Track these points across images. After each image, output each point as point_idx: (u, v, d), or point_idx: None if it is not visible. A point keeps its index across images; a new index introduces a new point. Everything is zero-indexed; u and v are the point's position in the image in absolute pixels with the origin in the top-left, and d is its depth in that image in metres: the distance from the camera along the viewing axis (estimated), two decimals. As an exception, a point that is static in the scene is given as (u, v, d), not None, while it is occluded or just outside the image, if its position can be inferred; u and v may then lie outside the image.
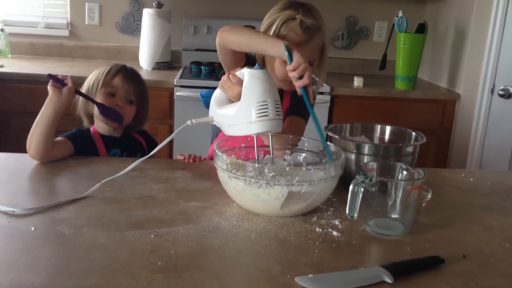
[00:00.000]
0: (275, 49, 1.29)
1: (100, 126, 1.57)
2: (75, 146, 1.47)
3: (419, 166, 1.34)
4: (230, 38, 1.40)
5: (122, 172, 1.23)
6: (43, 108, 1.41)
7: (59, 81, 1.42)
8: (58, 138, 1.47)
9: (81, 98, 1.56)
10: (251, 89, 1.19)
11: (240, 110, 1.20)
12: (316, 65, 1.49)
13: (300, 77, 1.24)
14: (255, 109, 1.16)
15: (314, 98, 1.57)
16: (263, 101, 1.17)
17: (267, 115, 1.16)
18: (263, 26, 1.47)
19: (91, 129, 1.58)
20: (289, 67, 1.25)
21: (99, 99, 1.53)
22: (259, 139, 1.28)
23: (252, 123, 1.17)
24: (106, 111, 1.52)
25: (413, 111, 2.84)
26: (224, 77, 1.30)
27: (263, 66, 1.47)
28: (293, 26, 1.40)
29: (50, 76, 1.41)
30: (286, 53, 1.25)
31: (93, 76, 1.58)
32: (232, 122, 1.22)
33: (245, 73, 1.21)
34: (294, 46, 1.30)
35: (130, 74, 1.61)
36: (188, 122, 1.25)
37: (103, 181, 1.21)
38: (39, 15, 3.22)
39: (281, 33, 1.41)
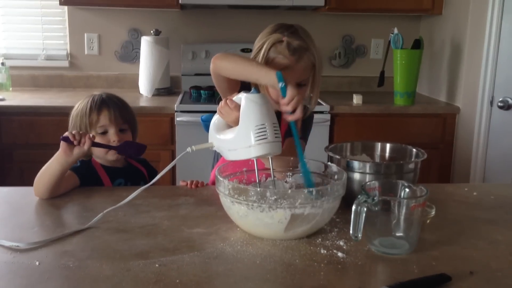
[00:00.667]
0: (268, 79, 1.29)
1: (99, 158, 1.57)
2: (80, 178, 1.46)
3: (423, 181, 1.34)
4: (223, 66, 1.41)
5: (123, 202, 1.22)
6: (51, 160, 1.39)
7: (71, 142, 1.38)
8: (69, 172, 1.47)
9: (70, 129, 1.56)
10: (249, 113, 1.20)
11: (239, 134, 1.21)
12: (310, 84, 1.50)
13: (293, 111, 1.25)
14: (253, 132, 1.17)
15: (310, 117, 1.60)
16: (261, 124, 1.17)
17: (265, 138, 1.17)
18: (254, 50, 1.49)
19: (92, 160, 1.58)
20: (282, 100, 1.26)
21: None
22: (260, 162, 1.28)
23: (251, 147, 1.17)
24: (124, 149, 1.52)
25: (413, 126, 2.85)
26: (221, 103, 1.31)
27: (258, 89, 1.50)
28: (280, 48, 1.42)
29: (64, 139, 1.38)
30: (280, 84, 1.25)
31: (76, 118, 1.56)
32: (231, 147, 1.23)
33: (242, 97, 1.22)
34: (285, 75, 1.30)
35: (112, 104, 1.58)
36: (188, 149, 1.25)
37: (105, 211, 1.21)
38: (39, 47, 3.27)
39: (269, 56, 1.43)
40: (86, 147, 1.37)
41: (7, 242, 1.06)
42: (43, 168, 1.39)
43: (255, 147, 1.17)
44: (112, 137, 1.54)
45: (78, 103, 1.61)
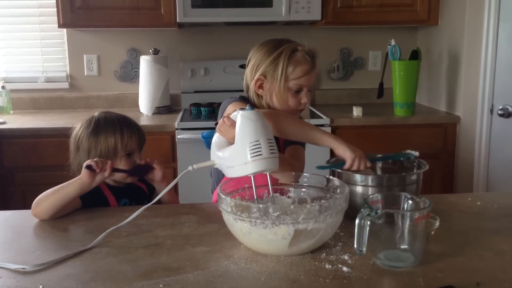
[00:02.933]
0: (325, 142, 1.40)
1: (115, 181, 1.57)
2: (83, 200, 1.45)
3: (426, 191, 1.33)
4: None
5: (126, 221, 1.22)
6: (68, 183, 1.39)
7: (94, 170, 1.40)
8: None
9: (82, 155, 1.56)
10: (243, 130, 1.21)
11: (235, 151, 1.22)
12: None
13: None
14: (248, 149, 1.18)
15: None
16: (256, 141, 1.18)
17: (260, 154, 1.18)
18: (262, 67, 1.52)
19: None
20: (346, 166, 1.33)
21: (118, 163, 1.54)
22: (263, 178, 1.28)
23: (247, 163, 1.18)
24: (137, 172, 1.55)
25: (414, 136, 2.85)
26: (220, 121, 1.32)
27: (253, 105, 1.52)
28: (300, 56, 1.51)
29: (88, 167, 1.39)
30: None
31: (100, 141, 1.55)
32: (229, 164, 1.24)
33: (237, 115, 1.24)
34: (307, 80, 1.51)
35: (136, 128, 1.61)
36: (190, 168, 1.25)
37: (108, 230, 1.20)
38: (39, 70, 3.29)
39: (289, 66, 1.50)
40: (107, 174, 1.41)
41: (13, 265, 1.06)
42: (54, 189, 1.38)
43: (251, 164, 1.18)
44: (138, 160, 1.57)
45: (85, 124, 1.59)
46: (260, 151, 1.18)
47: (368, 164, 1.34)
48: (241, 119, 1.22)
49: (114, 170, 1.46)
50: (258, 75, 1.53)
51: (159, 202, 1.36)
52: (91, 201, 1.47)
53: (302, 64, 1.51)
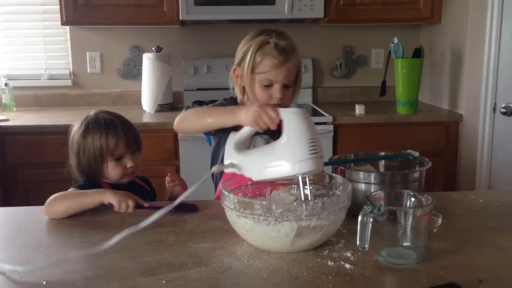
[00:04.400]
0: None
1: (112, 177, 1.56)
2: None
3: (429, 190, 1.33)
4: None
5: (144, 224, 1.12)
6: (89, 194, 1.36)
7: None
8: (70, 190, 1.47)
9: (76, 157, 1.56)
10: (299, 127, 1.17)
11: (285, 149, 1.17)
12: (294, 84, 1.53)
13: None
14: (306, 146, 1.14)
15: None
16: (312, 139, 1.15)
17: (317, 153, 1.15)
18: (237, 57, 1.52)
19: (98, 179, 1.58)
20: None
21: (106, 168, 1.53)
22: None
23: (303, 161, 1.14)
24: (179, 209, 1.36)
25: (417, 134, 2.85)
26: (256, 109, 1.25)
27: (242, 95, 1.53)
28: (268, 49, 1.45)
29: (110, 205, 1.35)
30: None
31: (88, 144, 1.53)
32: (273, 163, 1.18)
33: (285, 112, 1.20)
34: (274, 75, 1.40)
35: (123, 130, 1.55)
36: (214, 169, 1.24)
37: (123, 234, 1.09)
38: (42, 67, 3.29)
39: (256, 59, 1.45)
40: (130, 210, 1.35)
41: (8, 266, 1.05)
42: (73, 195, 1.37)
43: (308, 161, 1.14)
44: (129, 163, 1.55)
45: (78, 125, 1.57)
46: (316, 149, 1.15)
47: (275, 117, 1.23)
48: (292, 116, 1.18)
49: (138, 207, 1.37)
50: (235, 64, 1.53)
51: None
52: None
53: (269, 58, 1.44)
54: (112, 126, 1.54)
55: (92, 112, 1.61)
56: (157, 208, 1.22)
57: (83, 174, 1.57)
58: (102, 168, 1.53)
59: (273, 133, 1.55)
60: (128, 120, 1.63)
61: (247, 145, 1.31)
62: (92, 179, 1.56)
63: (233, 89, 1.57)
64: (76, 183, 1.57)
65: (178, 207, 1.18)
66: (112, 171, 1.53)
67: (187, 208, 1.37)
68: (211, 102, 3.07)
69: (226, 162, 1.28)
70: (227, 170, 1.28)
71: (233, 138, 1.30)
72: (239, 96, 1.57)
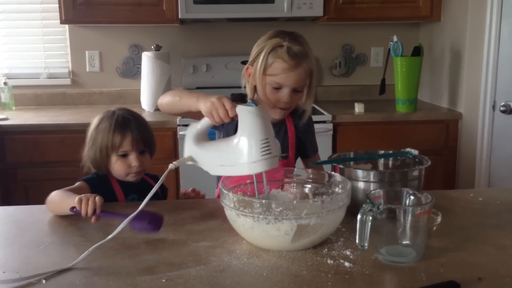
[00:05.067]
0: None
1: (116, 173, 1.56)
2: (92, 190, 1.46)
3: (428, 188, 1.33)
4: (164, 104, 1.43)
5: (110, 236, 1.13)
6: (71, 196, 1.33)
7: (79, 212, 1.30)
8: (78, 184, 1.48)
9: (88, 148, 1.56)
10: (251, 126, 1.15)
11: (238, 149, 1.16)
12: (306, 90, 1.53)
13: None
14: (259, 147, 1.13)
15: (311, 125, 1.65)
16: (266, 139, 1.14)
17: (270, 153, 1.14)
18: (251, 55, 1.51)
19: (108, 174, 1.57)
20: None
21: (111, 163, 1.54)
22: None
23: (256, 162, 1.14)
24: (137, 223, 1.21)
25: (416, 133, 2.85)
26: (215, 101, 1.20)
27: (253, 94, 1.52)
28: (280, 53, 1.44)
29: (72, 210, 1.30)
30: None
31: (97, 136, 1.54)
32: (226, 162, 1.18)
33: (241, 110, 1.17)
34: (284, 79, 1.41)
35: (135, 128, 1.54)
36: (171, 165, 1.23)
37: (92, 248, 1.09)
38: (41, 66, 3.29)
39: (268, 61, 1.45)
40: (93, 221, 1.28)
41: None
42: (59, 199, 1.37)
43: (261, 162, 1.14)
44: (133, 162, 1.53)
45: (97, 118, 1.58)
46: (269, 149, 1.14)
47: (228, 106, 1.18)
48: (247, 114, 1.16)
49: (103, 214, 1.28)
50: (249, 62, 1.53)
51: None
52: (100, 193, 1.45)
53: (280, 61, 1.44)
54: (123, 123, 1.54)
55: (113, 108, 1.62)
56: (114, 214, 1.22)
57: (92, 166, 1.58)
58: (108, 163, 1.54)
59: (278, 132, 1.56)
60: (145, 121, 1.62)
61: (206, 137, 1.28)
62: (101, 173, 1.57)
63: (245, 87, 1.57)
64: (86, 175, 1.58)
65: (140, 218, 1.15)
66: (115, 167, 1.54)
67: (151, 220, 1.21)
68: (211, 100, 3.07)
69: (185, 155, 1.26)
70: (188, 163, 1.26)
71: (193, 129, 1.27)
72: (249, 95, 1.56)
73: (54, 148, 2.66)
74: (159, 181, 1.22)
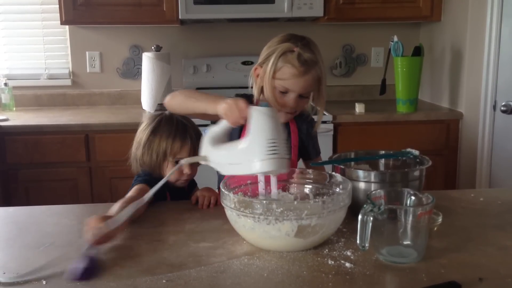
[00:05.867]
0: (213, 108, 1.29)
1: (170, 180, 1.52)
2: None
3: (429, 188, 1.33)
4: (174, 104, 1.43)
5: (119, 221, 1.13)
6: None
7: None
8: (143, 187, 1.44)
9: (141, 150, 1.54)
10: (261, 126, 1.15)
11: (247, 148, 1.16)
12: (316, 97, 1.52)
13: None
14: (266, 146, 1.12)
15: (311, 120, 1.64)
16: (273, 139, 1.13)
17: (277, 153, 1.13)
18: (261, 57, 1.50)
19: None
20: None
21: (165, 166, 1.53)
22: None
23: (262, 161, 1.12)
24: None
25: (417, 133, 2.85)
26: (229, 101, 1.23)
27: (259, 95, 1.51)
28: (290, 58, 1.44)
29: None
30: None
31: (154, 140, 1.53)
32: (234, 160, 1.18)
33: (253, 110, 1.18)
34: (292, 84, 1.40)
35: (193, 137, 1.54)
36: (182, 161, 1.25)
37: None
38: (41, 67, 3.29)
39: (278, 64, 1.44)
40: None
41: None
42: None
43: (266, 162, 1.12)
44: (186, 170, 1.52)
45: (151, 120, 1.57)
46: (277, 149, 1.13)
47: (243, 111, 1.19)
48: (258, 114, 1.16)
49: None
50: (258, 63, 1.53)
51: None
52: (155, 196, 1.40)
53: (289, 67, 1.43)
54: (183, 129, 1.54)
55: (167, 111, 1.59)
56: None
57: (142, 167, 1.57)
58: (162, 167, 1.54)
59: None
60: (198, 128, 1.62)
61: (223, 139, 1.28)
62: (154, 175, 1.54)
63: (252, 87, 1.56)
64: (137, 175, 1.57)
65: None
66: (168, 171, 1.52)
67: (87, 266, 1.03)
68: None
69: (201, 154, 1.27)
70: (202, 162, 1.26)
71: (211, 131, 1.29)
72: (256, 95, 1.56)
73: (54, 149, 2.66)
74: (167, 176, 1.25)
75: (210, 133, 1.28)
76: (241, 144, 1.18)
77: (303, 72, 1.43)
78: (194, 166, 1.56)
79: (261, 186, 1.23)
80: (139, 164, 1.57)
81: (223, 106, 1.22)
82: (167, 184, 1.49)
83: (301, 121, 1.60)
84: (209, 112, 1.29)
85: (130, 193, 1.42)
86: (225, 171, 1.22)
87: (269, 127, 1.15)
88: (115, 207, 1.26)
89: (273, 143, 1.13)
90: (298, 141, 1.58)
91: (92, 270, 1.02)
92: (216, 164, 1.23)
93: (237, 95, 1.56)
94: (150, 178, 1.51)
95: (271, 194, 1.27)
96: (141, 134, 1.58)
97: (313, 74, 1.45)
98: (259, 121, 1.15)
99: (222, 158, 1.22)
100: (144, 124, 1.59)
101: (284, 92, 1.46)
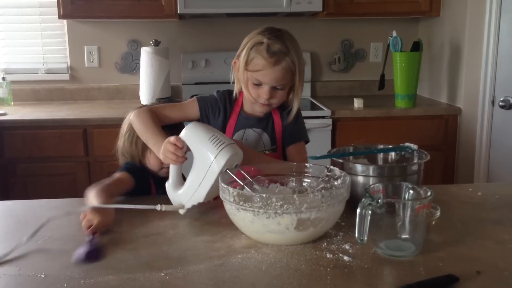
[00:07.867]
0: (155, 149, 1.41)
1: (150, 166, 1.57)
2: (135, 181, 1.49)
3: (427, 183, 1.33)
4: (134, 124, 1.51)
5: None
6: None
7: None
8: (122, 174, 1.48)
9: (124, 140, 1.59)
10: (197, 134, 1.26)
11: (201, 159, 1.25)
12: (290, 89, 1.54)
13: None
14: (211, 144, 1.23)
15: (299, 118, 1.64)
16: (212, 135, 1.24)
17: (224, 143, 1.23)
18: (239, 50, 1.53)
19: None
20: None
21: (146, 156, 1.56)
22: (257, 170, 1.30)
23: (217, 156, 1.22)
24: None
25: (415, 128, 2.85)
26: (167, 147, 1.30)
27: (241, 89, 1.56)
28: (260, 49, 1.46)
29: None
30: None
31: (135, 131, 1.55)
32: (201, 176, 1.25)
33: (182, 134, 1.28)
34: (262, 76, 1.46)
35: (173, 125, 1.57)
36: (158, 207, 1.27)
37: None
38: (39, 61, 3.28)
39: (250, 56, 1.47)
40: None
41: None
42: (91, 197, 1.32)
43: (219, 155, 1.22)
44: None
45: (131, 113, 1.57)
46: (221, 140, 1.23)
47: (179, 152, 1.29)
48: (187, 130, 1.28)
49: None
50: (235, 57, 1.54)
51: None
52: (137, 183, 1.50)
53: (259, 58, 1.45)
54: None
55: (149, 104, 1.64)
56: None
57: (125, 156, 1.60)
58: (145, 155, 1.56)
59: (266, 126, 1.56)
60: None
61: (181, 180, 1.35)
62: (141, 165, 1.58)
63: (233, 82, 1.58)
64: (125, 162, 1.60)
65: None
66: (152, 160, 1.55)
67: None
68: (210, 96, 3.07)
69: (175, 204, 1.33)
70: (181, 211, 1.32)
71: (167, 184, 1.35)
72: (236, 88, 1.57)
73: (52, 144, 2.66)
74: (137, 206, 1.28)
75: (168, 186, 1.35)
76: (195, 165, 1.27)
77: (273, 63, 1.45)
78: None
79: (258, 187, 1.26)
80: (121, 154, 1.61)
81: (160, 153, 1.32)
82: (150, 173, 1.57)
83: (284, 113, 1.60)
84: (155, 153, 1.40)
85: (108, 180, 1.43)
86: (202, 195, 1.27)
87: (202, 130, 1.27)
88: (92, 196, 1.30)
89: (214, 137, 1.24)
90: (282, 131, 1.59)
91: (95, 252, 1.08)
92: (193, 199, 1.29)
93: (218, 92, 1.60)
94: (133, 167, 1.55)
95: (269, 187, 1.27)
96: (124, 125, 1.62)
97: (283, 65, 1.46)
98: (192, 133, 1.27)
99: (191, 188, 1.28)
100: (127, 117, 1.61)
101: (258, 84, 1.48)
